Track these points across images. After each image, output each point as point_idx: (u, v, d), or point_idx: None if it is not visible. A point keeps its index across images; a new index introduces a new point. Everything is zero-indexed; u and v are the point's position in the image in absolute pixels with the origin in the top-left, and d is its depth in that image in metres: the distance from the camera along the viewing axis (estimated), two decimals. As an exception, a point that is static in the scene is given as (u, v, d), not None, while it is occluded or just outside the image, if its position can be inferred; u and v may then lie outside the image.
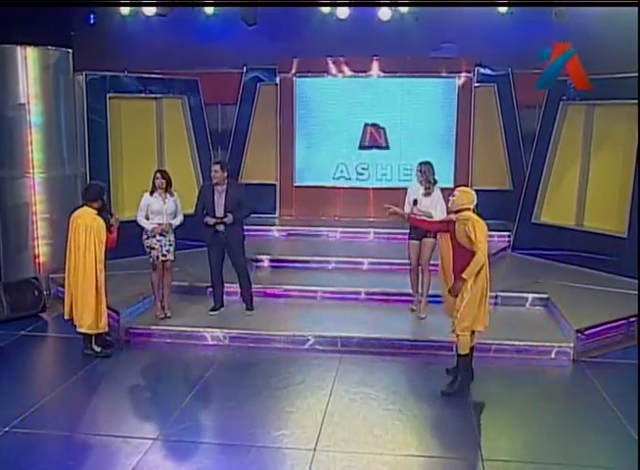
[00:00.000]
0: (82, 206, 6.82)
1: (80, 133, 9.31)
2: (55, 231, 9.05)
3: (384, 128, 11.20)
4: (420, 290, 7.70)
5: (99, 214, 6.74)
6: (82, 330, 6.78)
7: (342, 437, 5.28)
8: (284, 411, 5.73)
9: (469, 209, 5.97)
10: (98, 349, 6.87)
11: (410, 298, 7.88)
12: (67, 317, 6.92)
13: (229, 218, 7.41)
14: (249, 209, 7.63)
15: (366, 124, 11.21)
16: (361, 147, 11.26)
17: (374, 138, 11.26)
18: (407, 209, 7.45)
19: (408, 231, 7.66)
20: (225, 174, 7.53)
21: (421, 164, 7.57)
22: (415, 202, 7.39)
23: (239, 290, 7.87)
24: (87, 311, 6.68)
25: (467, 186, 6.05)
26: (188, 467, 5.02)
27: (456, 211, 6.01)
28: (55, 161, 9.06)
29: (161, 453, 5.07)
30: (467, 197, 6.01)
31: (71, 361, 6.91)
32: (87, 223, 6.64)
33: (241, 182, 8.61)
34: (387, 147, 11.20)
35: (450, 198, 6.08)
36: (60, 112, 9.07)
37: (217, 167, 7.53)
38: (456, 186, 10.74)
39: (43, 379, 6.75)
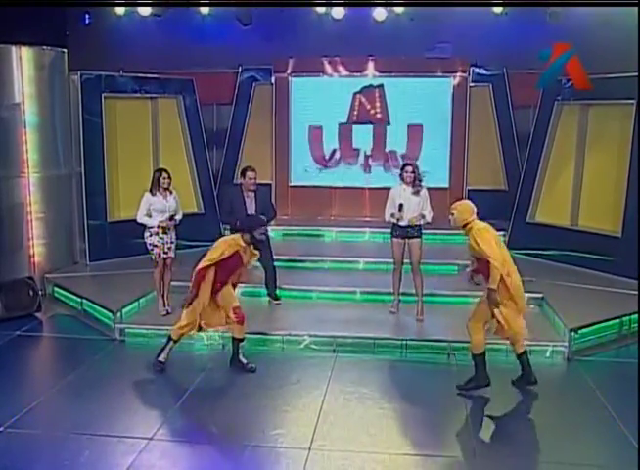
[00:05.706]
0: None
1: (75, 133, 9.32)
2: (50, 231, 9.05)
3: (381, 87, 11.04)
4: (415, 293, 7.61)
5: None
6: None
7: (338, 436, 5.29)
8: (279, 411, 5.74)
9: (472, 221, 5.79)
10: (244, 360, 6.61)
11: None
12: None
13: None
14: (274, 211, 8.09)
15: (355, 93, 11.05)
16: (349, 122, 11.06)
17: (365, 110, 11.12)
18: (389, 213, 7.41)
19: (391, 228, 7.55)
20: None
21: (407, 164, 7.58)
22: (401, 207, 7.28)
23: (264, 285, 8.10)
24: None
25: (464, 199, 5.81)
26: (183, 466, 5.02)
27: (462, 227, 5.85)
28: (50, 160, 9.06)
29: (157, 453, 5.06)
30: (466, 211, 5.83)
31: (66, 361, 6.93)
32: None
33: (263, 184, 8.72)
34: (387, 122, 11.00)
35: (450, 217, 5.87)
36: (55, 111, 9.07)
37: (254, 174, 7.78)
38: (452, 186, 11.00)
39: (38, 379, 6.74)
